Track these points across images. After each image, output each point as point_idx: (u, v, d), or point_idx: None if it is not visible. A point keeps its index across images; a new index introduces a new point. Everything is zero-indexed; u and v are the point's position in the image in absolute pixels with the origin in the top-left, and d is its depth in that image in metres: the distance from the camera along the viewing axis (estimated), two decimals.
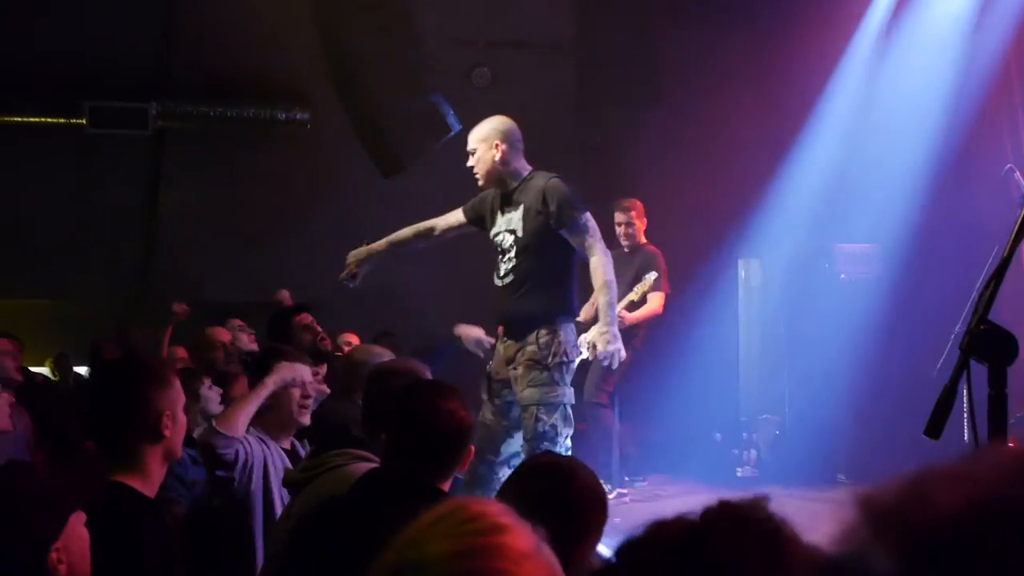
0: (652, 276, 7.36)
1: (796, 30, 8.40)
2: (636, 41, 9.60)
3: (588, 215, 5.33)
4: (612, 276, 5.29)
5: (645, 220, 7.71)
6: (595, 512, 2.47)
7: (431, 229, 5.79)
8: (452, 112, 8.87)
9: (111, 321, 9.68)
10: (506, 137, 5.42)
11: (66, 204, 10.07)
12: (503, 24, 10.10)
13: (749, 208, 8.54)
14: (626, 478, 7.60)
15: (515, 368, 5.28)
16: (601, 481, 7.00)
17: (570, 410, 5.27)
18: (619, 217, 7.67)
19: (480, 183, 5.49)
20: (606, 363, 5.30)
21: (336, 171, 10.02)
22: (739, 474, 8.06)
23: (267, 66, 9.89)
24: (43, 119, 9.68)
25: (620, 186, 8.27)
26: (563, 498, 2.44)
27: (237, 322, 7.52)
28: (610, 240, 7.80)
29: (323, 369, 5.76)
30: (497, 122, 5.51)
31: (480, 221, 5.62)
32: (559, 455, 4.65)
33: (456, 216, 5.72)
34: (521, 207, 5.35)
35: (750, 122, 8.84)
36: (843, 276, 7.97)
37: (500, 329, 5.49)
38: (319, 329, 6.33)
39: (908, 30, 8.25)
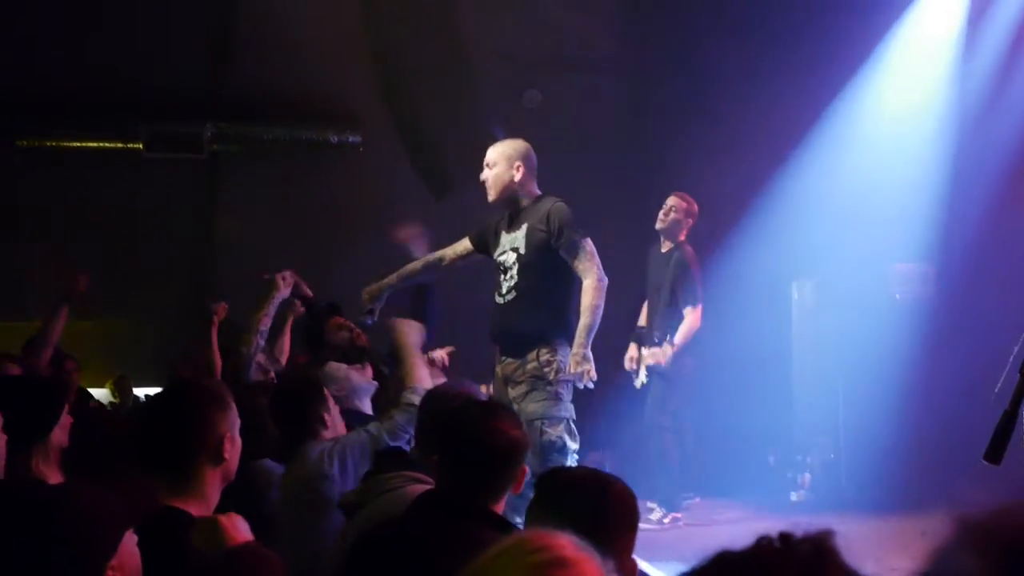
0: (663, 349, 7.35)
1: (848, 46, 8.33)
2: (684, 58, 9.58)
3: (588, 240, 5.42)
4: (600, 303, 5.31)
5: (693, 222, 7.66)
6: (629, 522, 2.45)
7: (440, 260, 5.98)
8: (503, 133, 8.90)
9: (169, 343, 9.77)
10: (526, 160, 5.57)
11: (124, 227, 10.19)
12: (552, 44, 10.13)
13: (801, 228, 8.46)
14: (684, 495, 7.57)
15: (515, 385, 5.35)
16: (656, 505, 6.99)
17: (574, 425, 5.31)
18: (673, 201, 7.62)
19: (490, 197, 5.60)
20: (581, 385, 5.29)
21: (388, 193, 10.07)
22: (793, 498, 7.97)
23: (320, 89, 9.97)
24: (101, 144, 9.83)
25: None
26: (599, 510, 2.42)
27: None
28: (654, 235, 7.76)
29: (367, 369, 5.79)
30: (519, 144, 5.65)
31: (485, 247, 5.75)
32: (579, 467, 4.69)
33: (463, 245, 5.88)
34: (525, 226, 5.47)
35: (801, 141, 8.77)
36: (898, 296, 7.89)
37: (498, 350, 5.56)
38: (353, 328, 6.34)
39: (965, 43, 8.15)
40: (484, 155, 5.69)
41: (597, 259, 5.38)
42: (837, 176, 8.50)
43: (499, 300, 5.53)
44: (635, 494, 2.53)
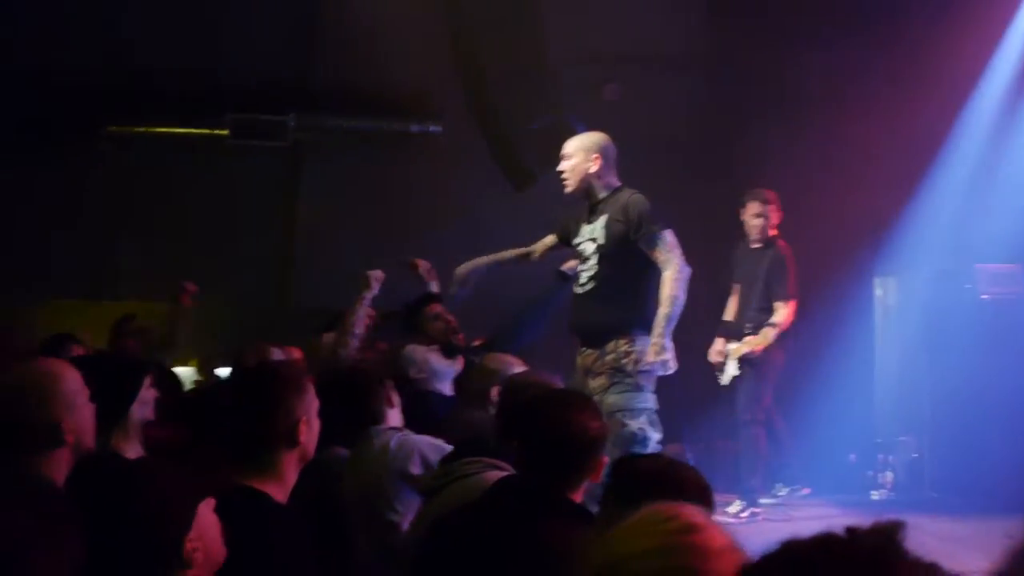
0: (747, 344, 7.29)
1: (937, 47, 8.17)
2: (769, 56, 9.47)
3: (668, 231, 5.40)
4: (679, 293, 5.30)
5: (780, 215, 7.60)
6: (700, 505, 2.43)
7: (531, 252, 6.10)
8: (583, 126, 8.88)
9: (250, 326, 9.92)
10: (605, 152, 5.63)
11: (207, 212, 10.36)
12: (634, 38, 10.07)
13: (885, 226, 8.34)
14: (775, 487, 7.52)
15: (595, 377, 5.35)
16: (739, 500, 6.94)
17: (656, 416, 5.31)
18: (755, 207, 7.57)
19: (567, 189, 5.65)
20: (659, 372, 5.29)
21: (468, 184, 10.11)
22: (874, 497, 7.86)
23: (402, 79, 10.04)
24: (188, 130, 10.00)
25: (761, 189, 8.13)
26: (664, 496, 2.40)
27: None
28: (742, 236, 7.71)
29: (459, 363, 5.82)
30: (598, 136, 5.73)
31: (567, 239, 5.80)
32: (652, 455, 4.67)
33: (551, 239, 5.99)
34: (604, 217, 5.49)
35: (888, 137, 8.63)
36: (985, 296, 7.73)
37: (577, 341, 5.57)
38: (450, 319, 6.35)
39: None
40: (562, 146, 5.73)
41: (678, 250, 5.37)
42: (925, 175, 8.37)
43: (578, 290, 5.56)
44: (708, 483, 2.51)
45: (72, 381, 3.02)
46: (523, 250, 6.10)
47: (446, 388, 5.33)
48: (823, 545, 1.25)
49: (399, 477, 3.98)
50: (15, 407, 2.94)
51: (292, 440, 2.97)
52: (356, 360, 5.80)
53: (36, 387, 2.97)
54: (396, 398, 4.35)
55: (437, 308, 6.55)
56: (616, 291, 5.42)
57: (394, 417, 4.27)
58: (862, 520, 1.29)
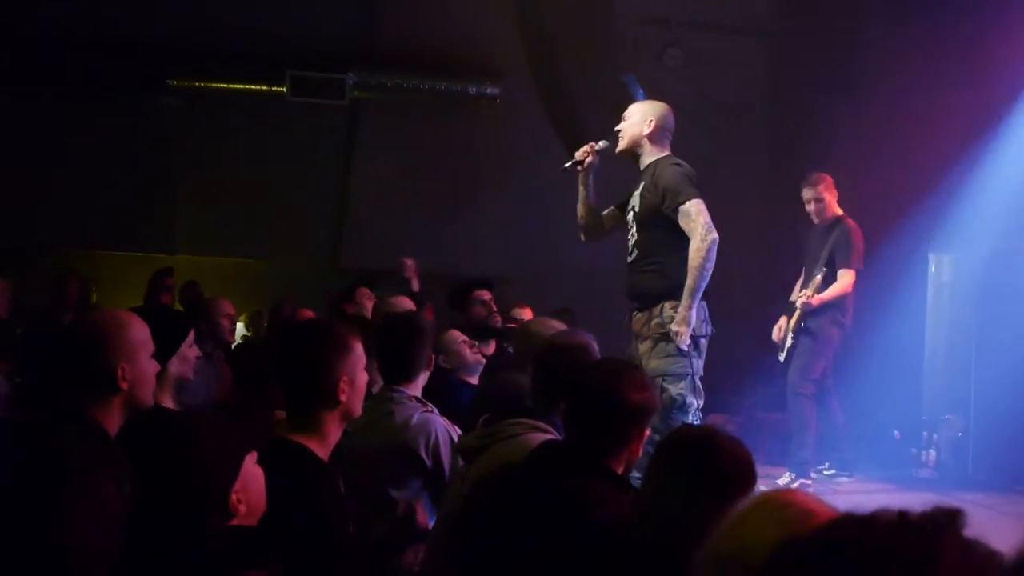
0: (813, 284, 7.26)
1: (1005, 25, 8.03)
2: (835, 25, 9.36)
3: (693, 200, 5.35)
4: (703, 262, 5.26)
5: (836, 192, 7.56)
6: (740, 477, 2.45)
7: (605, 219, 5.89)
8: (642, 92, 8.84)
9: (302, 282, 10.03)
10: (661, 119, 5.62)
11: (264, 168, 10.46)
12: (699, 5, 10.00)
13: (943, 202, 8.25)
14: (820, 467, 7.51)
15: (643, 341, 5.39)
16: (789, 472, 6.93)
17: (699, 382, 5.32)
18: (807, 193, 7.56)
19: (618, 147, 5.66)
20: (684, 346, 5.26)
21: (523, 147, 10.11)
22: (918, 475, 7.82)
23: (461, 40, 10.04)
24: (247, 86, 10.06)
25: (810, 170, 8.08)
26: (707, 466, 2.43)
27: (366, 291, 7.71)
28: (801, 217, 7.69)
29: (490, 345, 5.88)
30: (660, 105, 5.72)
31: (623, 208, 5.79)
32: (696, 426, 4.72)
33: (613, 210, 5.88)
34: (641, 186, 5.54)
35: (951, 114, 8.51)
36: None
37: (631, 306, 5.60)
38: (494, 308, 6.46)
39: None
40: (621, 113, 5.73)
41: (704, 217, 5.32)
42: (985, 153, 8.25)
43: (628, 259, 5.62)
44: (751, 455, 2.52)
45: (137, 332, 3.07)
46: (604, 213, 5.88)
47: (473, 379, 5.37)
48: (877, 525, 1.26)
49: (410, 456, 3.94)
50: (75, 349, 3.04)
51: (333, 399, 3.00)
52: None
53: (98, 332, 3.04)
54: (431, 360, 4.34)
55: (486, 295, 6.59)
56: (656, 259, 5.44)
57: (421, 381, 4.23)
58: (906, 498, 1.30)
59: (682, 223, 5.34)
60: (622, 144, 5.64)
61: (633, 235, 5.57)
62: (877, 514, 1.27)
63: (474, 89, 10.28)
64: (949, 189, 8.24)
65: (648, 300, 5.43)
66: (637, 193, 5.55)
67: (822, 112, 9.43)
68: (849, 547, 1.25)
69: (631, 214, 5.59)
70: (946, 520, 1.26)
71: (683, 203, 5.34)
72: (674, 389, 5.21)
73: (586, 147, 5.71)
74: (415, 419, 4.00)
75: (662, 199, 5.39)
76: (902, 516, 1.26)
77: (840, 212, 7.54)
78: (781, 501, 1.60)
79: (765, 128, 10.35)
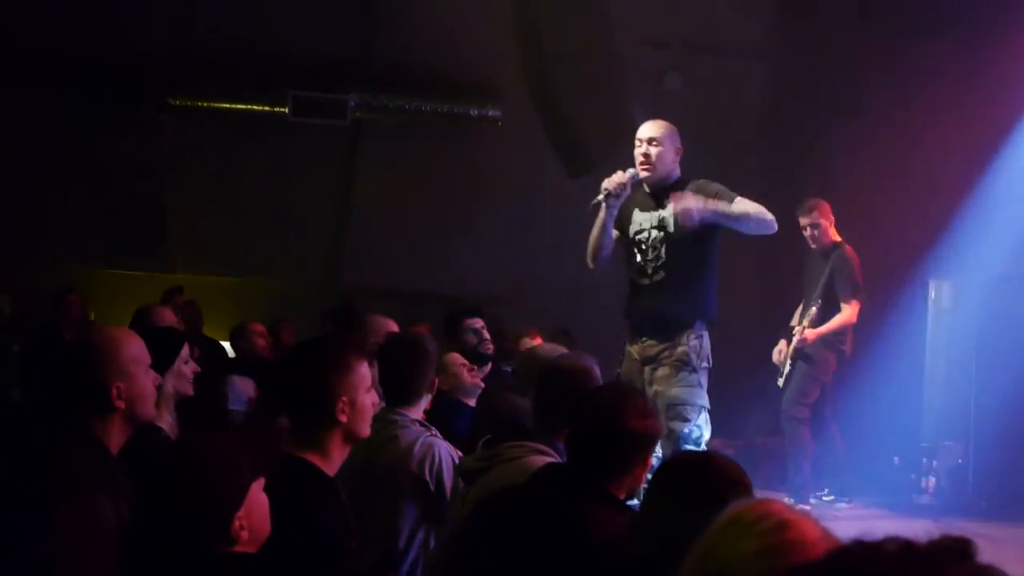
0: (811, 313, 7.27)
1: (1005, 49, 8.06)
2: (834, 48, 9.39)
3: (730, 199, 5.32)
4: (765, 217, 5.25)
5: (832, 218, 7.56)
6: (737, 496, 2.43)
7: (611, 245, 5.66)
8: (642, 115, 8.85)
9: (299, 301, 10.01)
10: (680, 142, 5.53)
11: (265, 187, 10.46)
12: (698, 27, 10.03)
13: (943, 228, 8.26)
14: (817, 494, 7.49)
15: (658, 367, 5.28)
16: (788, 497, 6.91)
17: (708, 415, 5.27)
18: (802, 220, 7.55)
19: (650, 175, 5.43)
20: (686, 223, 5.20)
21: (525, 169, 10.13)
22: (917, 501, 7.79)
23: (462, 63, 10.07)
24: (249, 106, 10.07)
25: (808, 195, 8.08)
26: (702, 485, 2.41)
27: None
28: (801, 243, 7.69)
29: (485, 371, 5.89)
30: (673, 128, 5.56)
31: (622, 229, 5.58)
32: (703, 451, 4.65)
33: (615, 233, 5.61)
34: (669, 206, 5.34)
35: (950, 139, 8.54)
36: None
37: (630, 328, 5.48)
38: (486, 335, 6.44)
39: None
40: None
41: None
42: (985, 177, 8.27)
43: (644, 280, 5.43)
44: (747, 475, 2.50)
45: (132, 349, 3.05)
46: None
47: (470, 401, 5.35)
48: (885, 553, 1.25)
49: (413, 479, 3.90)
50: (70, 367, 3.02)
51: (331, 418, 2.98)
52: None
53: (93, 350, 3.02)
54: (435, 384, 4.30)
55: (478, 324, 6.53)
56: (687, 284, 5.35)
57: (423, 404, 4.19)
58: (905, 525, 1.29)
59: (735, 203, 5.24)
60: (656, 174, 5.43)
61: (659, 257, 5.39)
62: (884, 542, 1.26)
63: (475, 111, 10.30)
64: (949, 214, 8.25)
65: (674, 328, 5.30)
66: (668, 213, 5.35)
67: (821, 135, 9.46)
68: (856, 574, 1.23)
69: (655, 233, 5.41)
70: (954, 549, 1.24)
71: (734, 195, 5.30)
72: (694, 420, 5.16)
73: (618, 179, 5.42)
74: (420, 443, 3.96)
75: (716, 194, 5.28)
76: (909, 545, 1.24)
77: (838, 238, 7.54)
78: (757, 513, 1.59)
79: (764, 151, 10.36)
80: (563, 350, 4.35)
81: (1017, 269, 7.83)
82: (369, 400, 3.08)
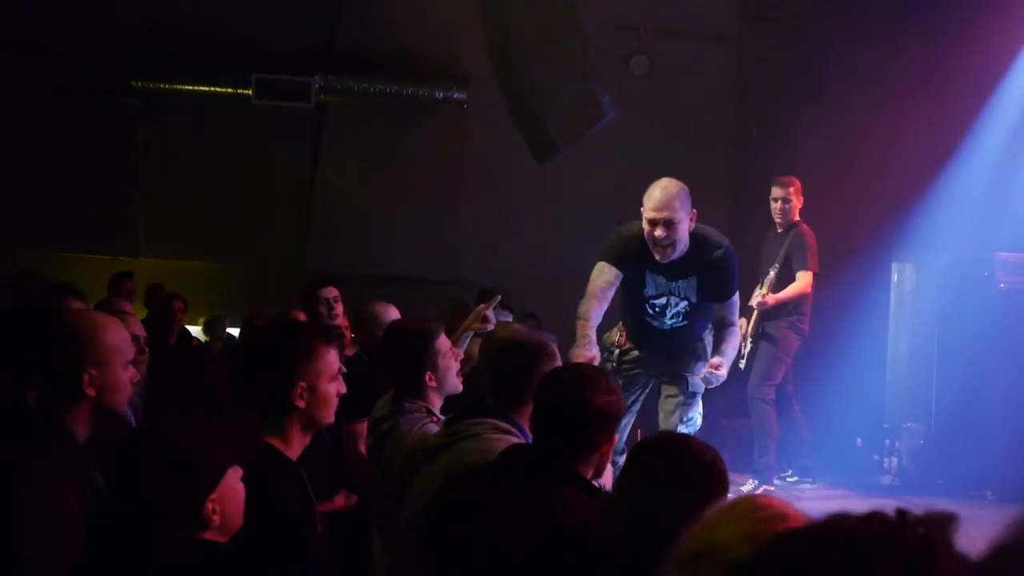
0: (771, 276, 7.37)
1: (967, 35, 8.11)
2: (800, 36, 9.43)
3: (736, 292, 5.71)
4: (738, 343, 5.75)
5: (802, 199, 7.62)
6: (711, 482, 2.45)
7: (605, 301, 5.58)
8: (608, 98, 8.86)
9: (264, 287, 9.96)
10: (691, 202, 5.42)
11: (229, 171, 10.39)
12: (665, 12, 10.05)
13: (905, 211, 8.33)
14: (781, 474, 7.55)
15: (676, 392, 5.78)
16: (753, 479, 7.05)
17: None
18: (776, 192, 7.60)
19: (667, 258, 5.39)
20: (713, 384, 5.52)
21: (491, 152, 10.12)
22: (880, 482, 7.87)
23: (427, 45, 10.04)
24: (213, 88, 10.01)
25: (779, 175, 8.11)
26: (676, 469, 2.43)
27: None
28: (759, 223, 7.75)
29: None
30: (682, 187, 5.39)
31: (625, 268, 5.55)
32: (671, 432, 4.78)
33: (611, 275, 5.54)
34: (695, 279, 5.53)
35: (912, 124, 8.61)
36: (1002, 285, 7.71)
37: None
38: (335, 308, 6.19)
39: None
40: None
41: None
42: (948, 162, 8.34)
43: (657, 325, 5.69)
44: (723, 461, 2.52)
45: (112, 337, 2.93)
46: (604, 307, 5.58)
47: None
48: (870, 526, 1.26)
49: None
50: (45, 352, 2.91)
51: (288, 403, 2.91)
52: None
53: (69, 336, 2.90)
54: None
55: (332, 292, 6.21)
56: (703, 317, 5.73)
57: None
58: (870, 505, 1.31)
59: (726, 310, 5.65)
60: (676, 254, 5.40)
61: (682, 318, 5.62)
62: (875, 512, 1.28)
63: (441, 94, 10.27)
64: (911, 198, 8.32)
65: (683, 370, 5.68)
66: (691, 286, 5.53)
67: (786, 119, 9.50)
68: (847, 539, 1.25)
69: (680, 303, 5.58)
70: (941, 520, 1.27)
71: (735, 295, 5.67)
72: (698, 407, 5.69)
73: (616, 336, 5.89)
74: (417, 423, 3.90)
75: (726, 296, 5.61)
76: (900, 513, 1.26)
77: (798, 218, 7.60)
78: (756, 504, 1.62)
79: (729, 135, 10.41)
80: (521, 329, 4.32)
81: (978, 252, 7.90)
82: (334, 388, 3.00)
